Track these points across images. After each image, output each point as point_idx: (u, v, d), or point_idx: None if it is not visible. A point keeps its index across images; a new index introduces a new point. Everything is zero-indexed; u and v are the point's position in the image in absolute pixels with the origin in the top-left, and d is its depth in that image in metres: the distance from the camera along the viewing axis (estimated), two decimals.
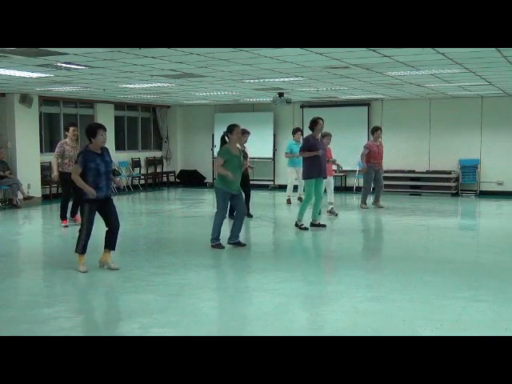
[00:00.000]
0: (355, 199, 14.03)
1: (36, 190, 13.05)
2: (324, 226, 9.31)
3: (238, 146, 7.92)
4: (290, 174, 12.49)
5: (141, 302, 5.33)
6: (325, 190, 9.91)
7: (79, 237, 6.41)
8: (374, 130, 11.97)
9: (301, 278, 6.24)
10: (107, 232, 6.50)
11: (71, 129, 9.50)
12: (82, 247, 6.40)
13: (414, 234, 9.26)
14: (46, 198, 13.33)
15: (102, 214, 6.45)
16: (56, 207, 12.72)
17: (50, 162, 10.68)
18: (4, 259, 7.39)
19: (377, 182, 11.92)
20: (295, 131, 12.39)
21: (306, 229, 9.04)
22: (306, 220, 9.20)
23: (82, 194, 6.29)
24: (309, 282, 6.11)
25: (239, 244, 7.78)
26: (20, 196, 12.33)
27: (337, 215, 10.65)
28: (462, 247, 8.03)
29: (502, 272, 6.42)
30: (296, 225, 9.17)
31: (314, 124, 9.12)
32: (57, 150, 9.42)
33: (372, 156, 11.66)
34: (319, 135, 9.31)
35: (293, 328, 4.60)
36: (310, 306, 5.39)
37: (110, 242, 6.49)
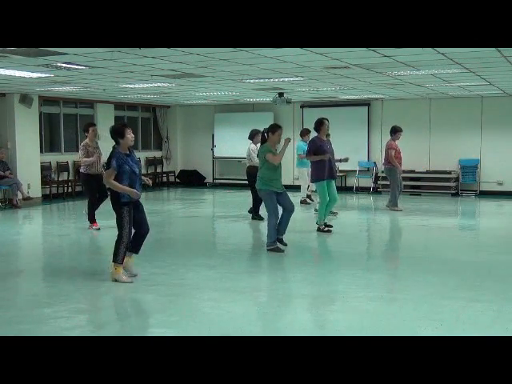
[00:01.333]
0: (355, 199, 14.04)
1: (36, 190, 13.04)
2: (330, 227, 9.03)
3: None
4: (303, 175, 12.24)
5: (141, 301, 5.33)
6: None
7: (119, 244, 5.86)
8: (397, 131, 11.55)
9: (301, 278, 6.23)
10: (135, 235, 6.03)
11: (91, 129, 9.26)
12: (123, 255, 5.90)
13: (414, 233, 9.26)
14: (46, 198, 13.33)
15: (135, 216, 5.97)
16: (56, 207, 12.79)
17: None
18: (4, 259, 7.40)
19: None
20: (305, 132, 11.96)
21: (329, 231, 8.82)
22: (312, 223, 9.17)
23: (119, 197, 5.79)
24: (309, 282, 6.11)
25: (281, 242, 7.51)
26: (20, 196, 12.33)
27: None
28: (462, 247, 8.03)
29: (502, 272, 6.42)
30: (318, 229, 8.87)
31: (320, 125, 8.95)
32: (81, 152, 9.16)
33: (397, 156, 11.40)
34: (325, 136, 9.15)
35: (293, 328, 4.61)
36: (310, 306, 5.38)
37: (138, 246, 6.11)
